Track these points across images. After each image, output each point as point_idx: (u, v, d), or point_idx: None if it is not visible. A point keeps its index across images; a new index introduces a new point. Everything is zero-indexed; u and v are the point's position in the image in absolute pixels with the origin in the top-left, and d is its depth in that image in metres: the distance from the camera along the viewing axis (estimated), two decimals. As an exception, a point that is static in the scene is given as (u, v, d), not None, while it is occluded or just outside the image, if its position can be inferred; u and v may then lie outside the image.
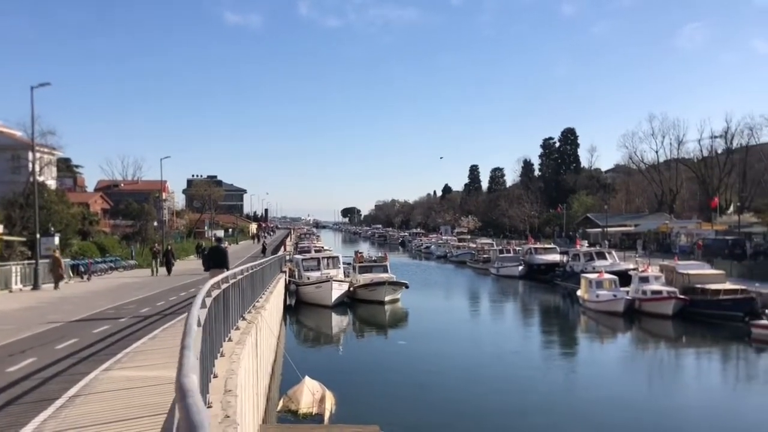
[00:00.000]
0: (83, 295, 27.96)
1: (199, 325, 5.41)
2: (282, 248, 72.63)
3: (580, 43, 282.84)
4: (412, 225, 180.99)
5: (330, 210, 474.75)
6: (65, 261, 35.31)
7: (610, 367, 27.89)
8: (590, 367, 27.95)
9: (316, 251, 55.84)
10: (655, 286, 37.82)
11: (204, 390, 6.40)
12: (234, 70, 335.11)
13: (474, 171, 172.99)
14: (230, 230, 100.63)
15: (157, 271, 41.47)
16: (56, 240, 37.19)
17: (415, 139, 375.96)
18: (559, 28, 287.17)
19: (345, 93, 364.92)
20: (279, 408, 18.07)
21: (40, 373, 10.98)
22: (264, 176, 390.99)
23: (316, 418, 17.41)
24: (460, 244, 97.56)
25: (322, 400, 18.42)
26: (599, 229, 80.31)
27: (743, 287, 35.94)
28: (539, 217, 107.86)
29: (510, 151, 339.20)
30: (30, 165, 44.44)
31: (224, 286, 11.28)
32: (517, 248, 71.96)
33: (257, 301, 19.98)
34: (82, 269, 38.90)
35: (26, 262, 33.81)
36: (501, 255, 69.54)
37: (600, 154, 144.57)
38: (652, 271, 40.95)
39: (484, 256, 76.58)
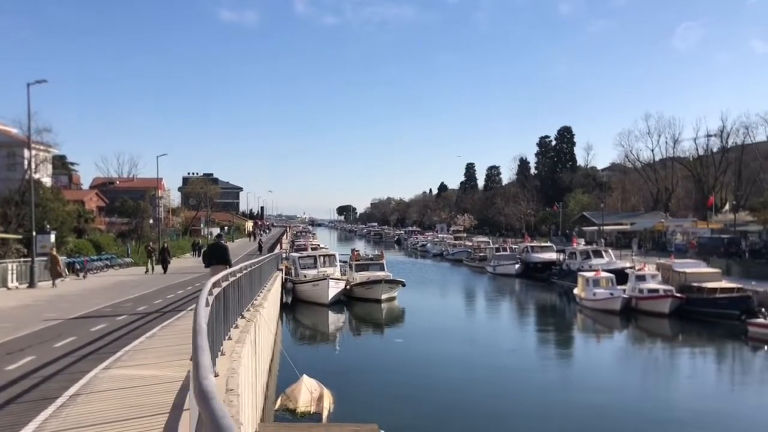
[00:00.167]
0: (79, 293, 27.86)
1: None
2: (278, 246, 72.50)
3: (576, 42, 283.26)
4: (408, 223, 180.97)
5: (325, 208, 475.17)
6: (62, 259, 35.19)
7: (606, 365, 27.96)
8: (587, 365, 28.03)
9: (312, 249, 55.71)
10: (652, 285, 37.89)
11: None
12: (230, 68, 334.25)
13: (470, 169, 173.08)
14: (226, 228, 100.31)
15: (153, 270, 41.36)
16: (52, 238, 37.06)
17: (410, 137, 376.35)
18: (555, 28, 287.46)
19: (341, 91, 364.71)
20: (277, 406, 18.03)
21: (39, 371, 10.94)
22: (260, 174, 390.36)
23: (314, 417, 17.39)
24: (456, 242, 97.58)
25: (320, 398, 18.39)
26: (595, 228, 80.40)
27: (740, 286, 36.09)
28: (535, 215, 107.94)
29: (506, 150, 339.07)
30: (25, 162, 44.28)
31: (224, 284, 11.24)
32: (514, 246, 72.01)
33: (255, 299, 19.93)
34: (78, 267, 38.76)
35: (22, 259, 33.69)
36: (497, 253, 69.54)
37: (596, 152, 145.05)
38: (649, 269, 41.02)
39: (481, 254, 76.62)
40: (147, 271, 41.27)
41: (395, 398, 20.37)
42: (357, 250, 53.48)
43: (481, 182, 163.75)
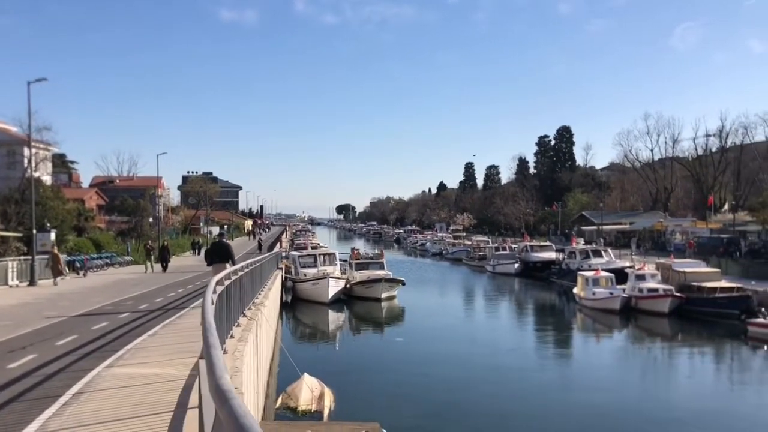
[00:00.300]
0: (80, 291, 27.83)
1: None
2: (278, 245, 72.50)
3: (576, 41, 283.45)
4: (407, 222, 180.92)
5: (325, 207, 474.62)
6: (62, 257, 35.17)
7: (606, 364, 27.96)
8: (587, 364, 28.04)
9: (312, 248, 55.72)
10: (652, 284, 37.93)
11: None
12: (229, 67, 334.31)
13: (469, 168, 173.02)
14: (225, 227, 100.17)
15: (152, 268, 41.32)
16: (52, 236, 37.04)
17: (410, 136, 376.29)
18: (555, 27, 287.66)
19: (340, 90, 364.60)
20: (278, 405, 18.04)
21: (41, 369, 10.93)
22: (259, 173, 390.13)
23: (316, 415, 17.39)
24: (456, 241, 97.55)
25: (321, 397, 18.40)
26: (594, 227, 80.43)
27: (739, 285, 36.14)
28: (534, 214, 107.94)
29: (505, 149, 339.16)
30: (25, 161, 44.26)
31: (227, 282, 11.26)
32: (513, 246, 72.00)
33: (257, 298, 19.97)
34: (78, 265, 38.73)
35: (22, 257, 33.68)
36: (497, 252, 69.54)
37: (595, 152, 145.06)
38: (649, 269, 41.05)
39: (480, 253, 76.61)
40: (146, 269, 41.24)
41: (396, 397, 20.39)
42: (357, 249, 53.46)
43: (480, 182, 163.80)
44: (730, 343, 31.25)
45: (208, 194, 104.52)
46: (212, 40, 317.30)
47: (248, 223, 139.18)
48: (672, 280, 38.41)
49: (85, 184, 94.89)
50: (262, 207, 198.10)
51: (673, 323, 34.95)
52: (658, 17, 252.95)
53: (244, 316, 15.09)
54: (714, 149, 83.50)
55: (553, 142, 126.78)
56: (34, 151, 39.37)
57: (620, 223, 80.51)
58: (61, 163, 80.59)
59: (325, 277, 41.05)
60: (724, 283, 36.45)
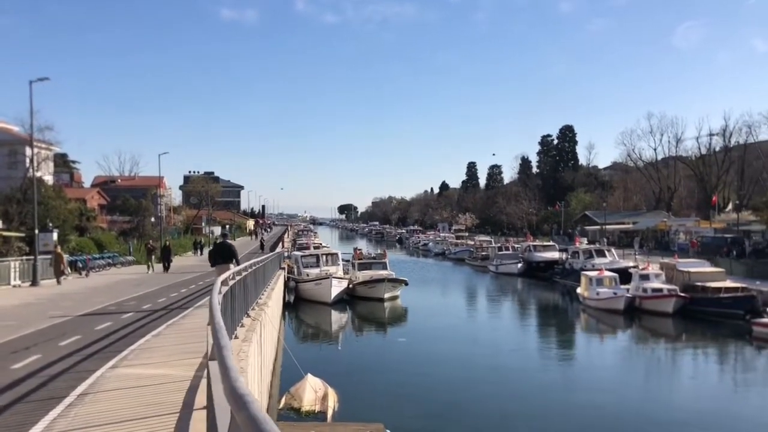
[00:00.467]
0: (82, 291, 27.77)
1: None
2: (280, 245, 72.45)
3: (577, 41, 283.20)
4: (409, 222, 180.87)
5: (327, 207, 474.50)
6: (65, 257, 35.13)
7: (610, 365, 27.85)
8: (590, 364, 27.93)
9: (315, 248, 55.64)
10: (656, 284, 37.79)
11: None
12: (230, 67, 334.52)
13: (471, 168, 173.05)
14: (227, 226, 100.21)
15: (153, 268, 41.22)
16: (54, 236, 37.00)
17: (412, 136, 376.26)
18: (556, 26, 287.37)
19: (341, 90, 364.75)
20: (281, 405, 17.95)
21: (45, 370, 10.85)
22: (261, 173, 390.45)
23: (319, 416, 17.31)
24: (458, 241, 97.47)
25: (324, 397, 18.32)
26: (597, 227, 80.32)
27: (744, 285, 36.00)
28: (537, 214, 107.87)
29: (507, 149, 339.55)
30: (27, 160, 44.22)
31: (231, 282, 11.18)
32: (516, 246, 71.88)
33: (260, 298, 19.88)
34: (81, 265, 38.68)
35: (24, 257, 33.64)
36: (500, 252, 69.44)
37: (598, 151, 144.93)
38: (653, 268, 40.91)
39: (483, 253, 76.50)
40: (148, 270, 41.14)
41: (399, 397, 20.31)
42: (360, 249, 53.38)
43: (482, 181, 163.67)
44: (734, 343, 31.14)
45: (210, 194, 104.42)
46: (213, 39, 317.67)
47: (250, 223, 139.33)
48: (676, 280, 38.29)
49: (87, 183, 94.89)
50: (263, 207, 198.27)
51: (677, 323, 34.83)
52: (659, 16, 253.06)
53: (248, 316, 15.01)
54: (717, 148, 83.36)
55: (555, 142, 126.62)
56: (36, 150, 39.29)
57: (623, 223, 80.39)
58: (62, 162, 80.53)
59: (328, 277, 40.95)
60: (728, 283, 36.31)
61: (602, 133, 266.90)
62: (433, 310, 42.64)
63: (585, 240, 64.74)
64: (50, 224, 38.12)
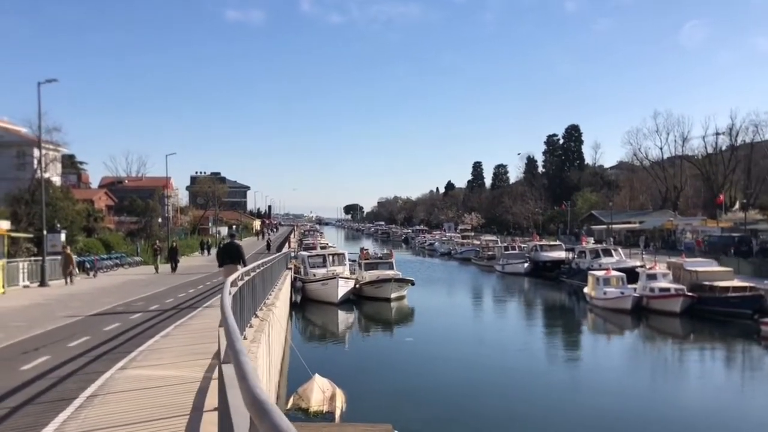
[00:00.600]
0: (90, 291, 27.88)
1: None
2: (287, 245, 72.51)
3: (582, 40, 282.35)
4: (415, 222, 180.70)
5: (332, 207, 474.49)
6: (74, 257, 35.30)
7: (617, 365, 27.79)
8: (598, 365, 27.87)
9: (321, 248, 55.66)
10: (663, 284, 37.65)
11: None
12: (236, 67, 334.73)
13: (477, 168, 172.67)
14: (234, 227, 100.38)
15: (157, 269, 41.26)
16: (62, 236, 37.14)
17: (417, 136, 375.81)
18: (561, 26, 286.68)
19: (346, 90, 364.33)
20: (289, 406, 17.95)
21: (55, 371, 10.89)
22: (267, 173, 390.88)
23: (327, 417, 17.31)
24: (464, 241, 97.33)
25: (332, 398, 18.31)
26: (604, 226, 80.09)
27: (752, 284, 35.85)
28: (543, 214, 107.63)
29: (513, 149, 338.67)
30: (35, 161, 44.37)
31: (240, 283, 11.20)
32: (522, 245, 71.75)
33: (267, 298, 19.91)
34: (88, 266, 38.83)
35: (32, 258, 33.79)
36: (506, 252, 69.31)
37: (604, 150, 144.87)
38: (660, 268, 40.76)
39: (489, 253, 76.36)
40: (155, 270, 41.24)
41: (407, 398, 20.30)
42: (366, 249, 53.37)
43: (488, 181, 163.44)
44: (742, 343, 31.01)
45: (217, 194, 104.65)
46: (218, 40, 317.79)
47: (256, 224, 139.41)
48: (683, 280, 38.12)
49: (95, 184, 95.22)
50: (270, 207, 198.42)
51: (684, 323, 34.70)
52: (664, 15, 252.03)
53: (256, 316, 15.03)
54: (724, 147, 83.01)
55: (561, 141, 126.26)
56: (43, 152, 39.45)
57: (630, 222, 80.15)
58: (70, 163, 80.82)
59: (335, 278, 40.97)
60: (736, 283, 36.15)
61: (608, 132, 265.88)
62: (440, 310, 42.63)
63: (591, 239, 64.54)
64: (58, 225, 38.28)
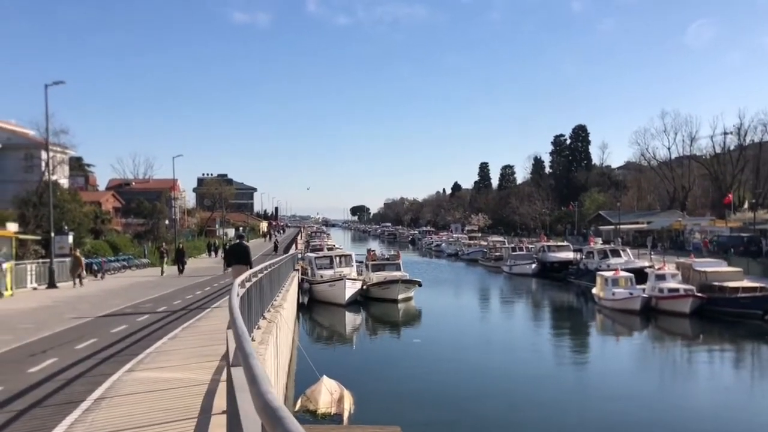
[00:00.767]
0: (98, 293, 27.91)
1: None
2: (293, 246, 72.51)
3: (587, 40, 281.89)
4: (422, 223, 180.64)
5: (339, 208, 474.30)
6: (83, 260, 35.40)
7: (626, 366, 27.57)
8: (607, 366, 27.62)
9: (328, 249, 55.60)
10: (672, 284, 37.40)
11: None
12: (243, 69, 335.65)
13: (484, 169, 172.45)
14: (241, 228, 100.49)
15: (165, 271, 41.28)
16: (70, 238, 37.22)
17: (423, 137, 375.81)
18: (567, 26, 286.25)
19: (353, 91, 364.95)
20: (297, 408, 17.87)
21: (62, 374, 10.83)
22: (273, 175, 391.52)
23: (335, 419, 17.22)
24: (471, 242, 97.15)
25: (340, 399, 18.21)
26: (612, 227, 79.80)
27: (762, 285, 35.60)
28: (550, 214, 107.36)
29: (520, 150, 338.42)
30: (43, 164, 44.51)
31: (248, 284, 11.13)
32: (530, 246, 71.54)
33: (275, 300, 19.84)
34: (96, 268, 38.88)
35: (40, 260, 33.88)
36: (514, 253, 69.15)
37: (611, 151, 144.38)
38: (669, 268, 40.51)
39: (496, 254, 76.16)
40: (162, 272, 41.24)
41: (415, 400, 20.17)
42: (373, 250, 53.29)
43: (495, 182, 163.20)
44: (753, 343, 30.77)
45: (224, 196, 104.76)
46: (225, 43, 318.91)
47: (263, 225, 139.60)
48: (693, 280, 37.87)
49: (102, 186, 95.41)
50: (276, 209, 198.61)
51: (694, 324, 34.44)
52: (669, 15, 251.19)
53: (264, 318, 14.97)
54: (732, 147, 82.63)
55: (568, 142, 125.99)
56: (51, 154, 39.57)
57: (638, 223, 79.84)
58: (78, 166, 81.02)
59: (342, 279, 40.90)
60: (746, 283, 35.91)
61: (615, 132, 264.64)
62: (448, 312, 42.50)
63: (599, 240, 64.31)
64: (66, 227, 38.38)
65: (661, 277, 38.50)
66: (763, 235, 55.01)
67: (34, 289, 30.74)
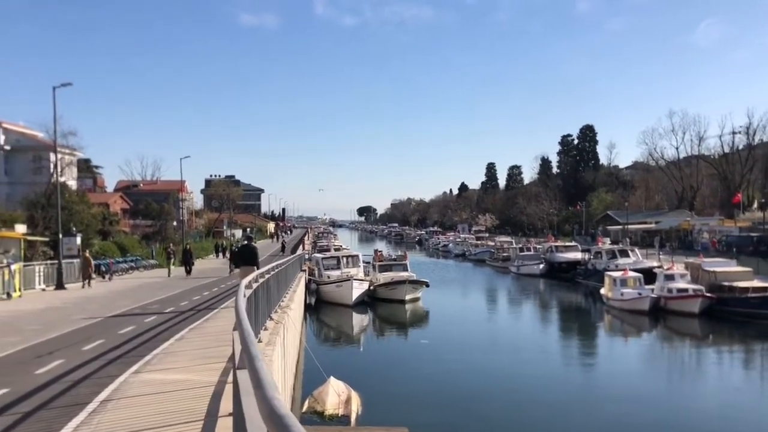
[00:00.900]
0: (106, 295, 27.95)
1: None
2: (301, 247, 72.52)
3: (595, 40, 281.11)
4: (429, 223, 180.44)
5: (346, 209, 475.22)
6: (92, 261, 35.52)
7: (635, 367, 27.38)
8: (615, 367, 27.43)
9: (335, 250, 55.54)
10: (681, 284, 37.16)
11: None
12: (251, 71, 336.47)
13: (491, 169, 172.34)
14: (248, 229, 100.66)
15: (171, 273, 41.30)
16: (78, 240, 37.32)
17: (430, 137, 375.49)
18: (574, 26, 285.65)
19: (359, 92, 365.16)
20: (305, 409, 17.81)
21: (69, 375, 10.82)
22: (280, 176, 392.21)
23: (343, 420, 17.14)
24: (479, 242, 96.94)
25: (347, 401, 18.13)
26: (620, 227, 79.47)
27: (772, 285, 35.30)
28: (558, 214, 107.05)
29: (527, 150, 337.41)
30: (51, 166, 44.68)
31: (255, 285, 11.08)
32: (537, 246, 71.31)
33: (282, 301, 19.81)
34: (104, 269, 38.97)
35: (49, 261, 33.99)
36: (521, 253, 68.95)
37: (619, 151, 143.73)
38: (678, 268, 40.25)
39: (504, 254, 75.95)
40: (169, 273, 41.25)
41: (423, 401, 20.09)
42: (380, 251, 53.19)
43: (502, 182, 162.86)
44: (763, 344, 30.52)
45: (231, 197, 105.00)
46: (233, 44, 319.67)
47: (270, 226, 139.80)
48: (702, 280, 37.61)
49: (110, 188, 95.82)
50: (284, 210, 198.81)
51: (703, 324, 34.20)
52: (677, 14, 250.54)
53: (271, 319, 14.93)
54: (741, 146, 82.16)
55: (576, 142, 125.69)
56: (59, 156, 39.70)
57: (646, 223, 79.48)
58: (86, 167, 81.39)
59: (349, 279, 40.81)
60: (756, 283, 35.62)
61: (623, 132, 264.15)
62: (455, 312, 42.36)
63: (608, 240, 64.02)
64: (74, 228, 38.49)
65: (670, 278, 38.25)
66: (772, 234, 54.65)
67: (43, 290, 30.86)
